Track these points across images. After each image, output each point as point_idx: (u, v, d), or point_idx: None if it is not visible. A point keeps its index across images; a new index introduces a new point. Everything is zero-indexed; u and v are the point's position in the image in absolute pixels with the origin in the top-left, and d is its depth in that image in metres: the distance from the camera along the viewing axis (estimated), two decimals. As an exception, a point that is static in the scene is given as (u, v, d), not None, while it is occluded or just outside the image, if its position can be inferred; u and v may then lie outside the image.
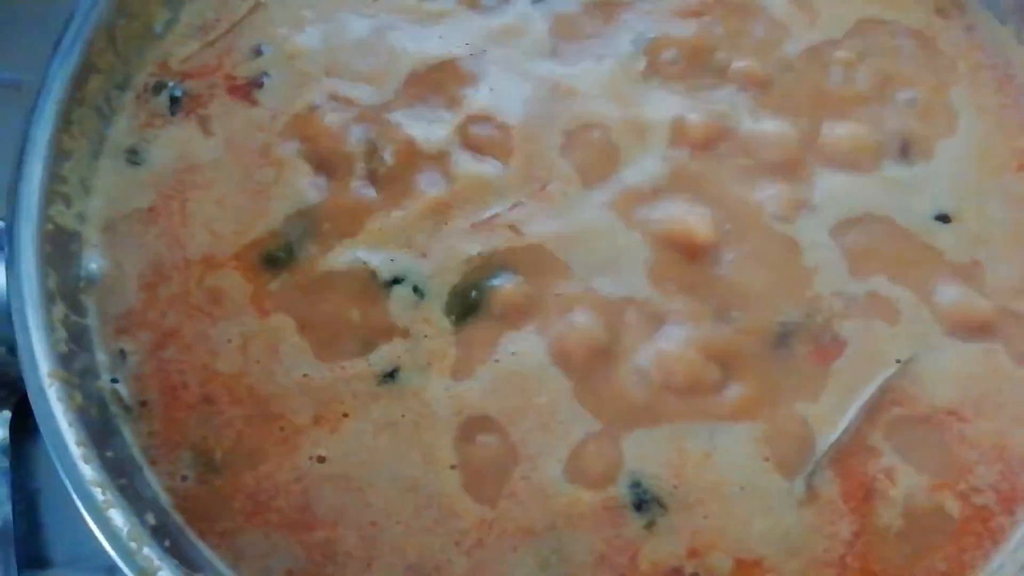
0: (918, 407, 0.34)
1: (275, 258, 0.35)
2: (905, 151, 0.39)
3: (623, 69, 0.39)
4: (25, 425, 0.44)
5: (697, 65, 0.39)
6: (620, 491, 0.32)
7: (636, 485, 0.32)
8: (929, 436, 0.33)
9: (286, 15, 0.41)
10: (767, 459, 0.32)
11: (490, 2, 0.41)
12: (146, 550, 0.28)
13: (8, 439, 0.43)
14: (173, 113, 0.39)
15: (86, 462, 0.29)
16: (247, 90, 0.40)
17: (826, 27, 0.41)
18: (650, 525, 0.31)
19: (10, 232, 0.32)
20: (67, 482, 0.28)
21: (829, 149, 0.38)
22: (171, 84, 0.40)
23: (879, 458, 0.33)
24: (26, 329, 0.30)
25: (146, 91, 0.39)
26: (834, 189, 0.37)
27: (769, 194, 0.37)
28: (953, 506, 0.32)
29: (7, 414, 0.44)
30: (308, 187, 0.36)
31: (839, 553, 0.31)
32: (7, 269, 0.31)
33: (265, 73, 0.40)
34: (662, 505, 0.32)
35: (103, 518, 0.28)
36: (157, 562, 0.28)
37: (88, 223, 0.36)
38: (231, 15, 0.41)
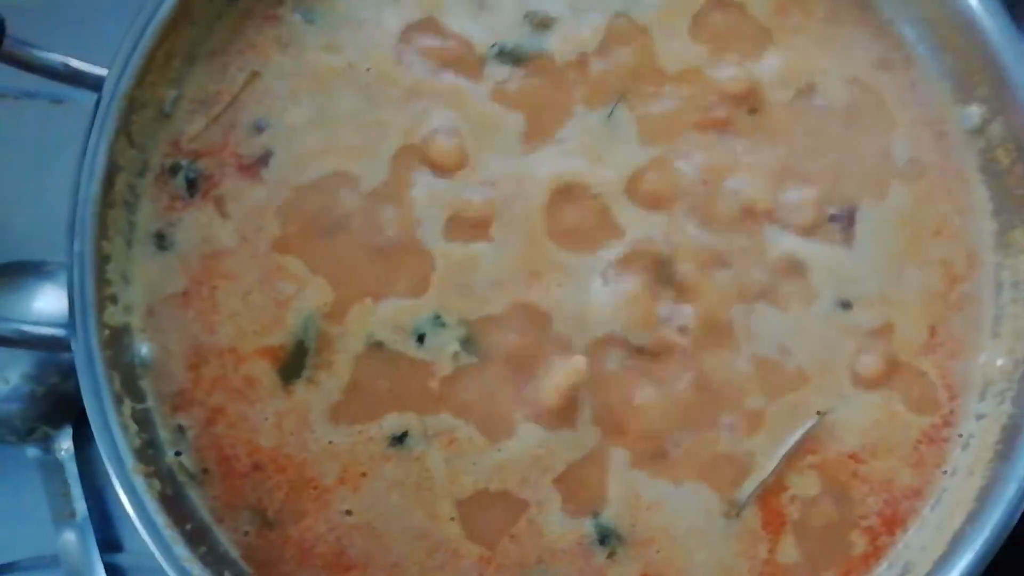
0: (827, 451, 0.42)
1: (292, 364, 0.41)
2: (845, 217, 0.44)
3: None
4: (83, 432, 0.53)
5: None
6: (588, 528, 0.41)
7: (601, 523, 0.41)
8: (832, 476, 0.42)
9: (282, 86, 0.44)
10: (709, 510, 0.41)
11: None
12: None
13: (72, 448, 0.52)
14: (191, 195, 0.43)
15: (175, 543, 0.37)
16: (255, 169, 0.44)
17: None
18: (612, 555, 0.41)
19: (77, 353, 0.38)
20: (163, 563, 0.37)
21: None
22: (185, 164, 0.43)
23: (793, 492, 0.42)
24: (108, 437, 0.37)
25: (164, 172, 0.43)
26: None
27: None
28: (847, 529, 0.42)
29: (68, 428, 0.52)
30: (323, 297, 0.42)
31: (759, 572, 0.41)
32: (82, 391, 0.38)
33: (269, 151, 0.44)
34: (621, 539, 0.41)
35: (194, 587, 0.37)
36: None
37: (133, 312, 0.42)
38: (231, 87, 0.44)
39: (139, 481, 0.38)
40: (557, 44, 0.44)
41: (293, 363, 0.41)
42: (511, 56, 0.44)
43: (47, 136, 0.57)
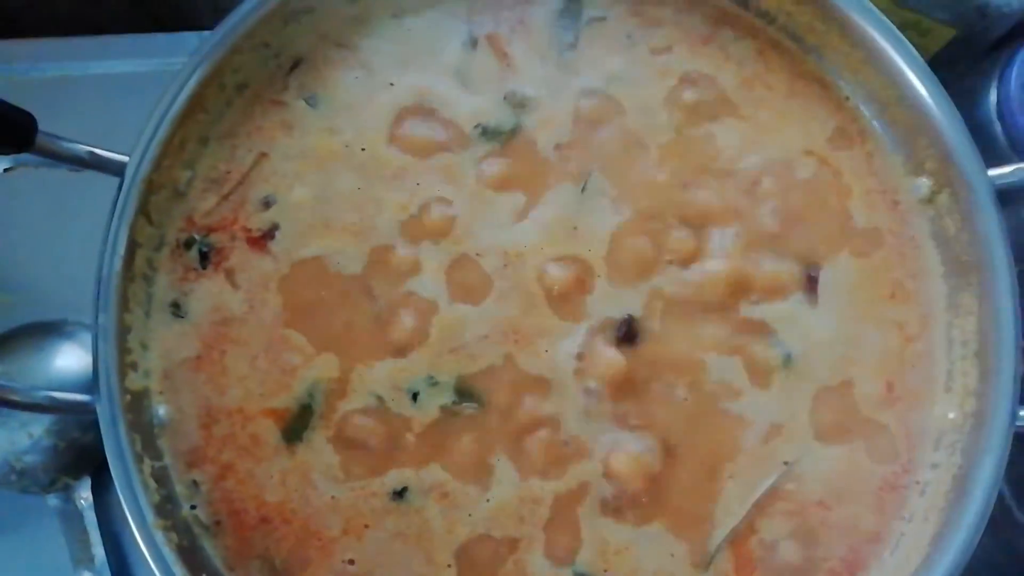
0: (795, 499, 0.45)
1: (296, 426, 0.45)
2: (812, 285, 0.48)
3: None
4: (100, 482, 0.56)
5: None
6: (567, 572, 0.44)
7: (576, 570, 0.44)
8: (800, 522, 0.45)
9: (287, 166, 0.48)
10: (672, 555, 0.44)
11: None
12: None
13: (91, 497, 0.56)
14: (204, 267, 0.47)
15: (193, 592, 0.41)
16: (263, 242, 0.48)
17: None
18: (591, 600, 0.44)
19: (102, 417, 0.42)
20: (184, 610, 0.40)
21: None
22: (199, 238, 0.47)
23: (764, 538, 0.45)
24: (131, 495, 0.41)
25: (179, 247, 0.47)
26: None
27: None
28: (812, 573, 0.45)
29: (87, 479, 0.56)
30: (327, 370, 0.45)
31: (729, 613, 0.44)
32: (107, 452, 0.41)
33: (276, 225, 0.48)
34: (596, 584, 0.44)
35: (213, 629, 0.40)
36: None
37: (151, 376, 0.45)
38: (240, 167, 0.48)
39: (159, 535, 0.41)
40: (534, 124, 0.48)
41: (296, 426, 0.44)
42: (493, 134, 0.48)
43: (67, 203, 0.62)
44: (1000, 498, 0.63)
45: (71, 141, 0.43)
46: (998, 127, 0.58)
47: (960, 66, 0.64)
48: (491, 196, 0.47)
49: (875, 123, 0.49)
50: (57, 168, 0.62)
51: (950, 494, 0.43)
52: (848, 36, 0.47)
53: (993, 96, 0.60)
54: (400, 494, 0.44)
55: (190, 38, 0.66)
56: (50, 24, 0.68)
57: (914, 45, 0.64)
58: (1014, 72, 0.58)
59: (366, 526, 0.44)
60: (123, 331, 0.44)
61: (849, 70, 0.48)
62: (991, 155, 0.46)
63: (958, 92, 0.63)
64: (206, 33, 0.63)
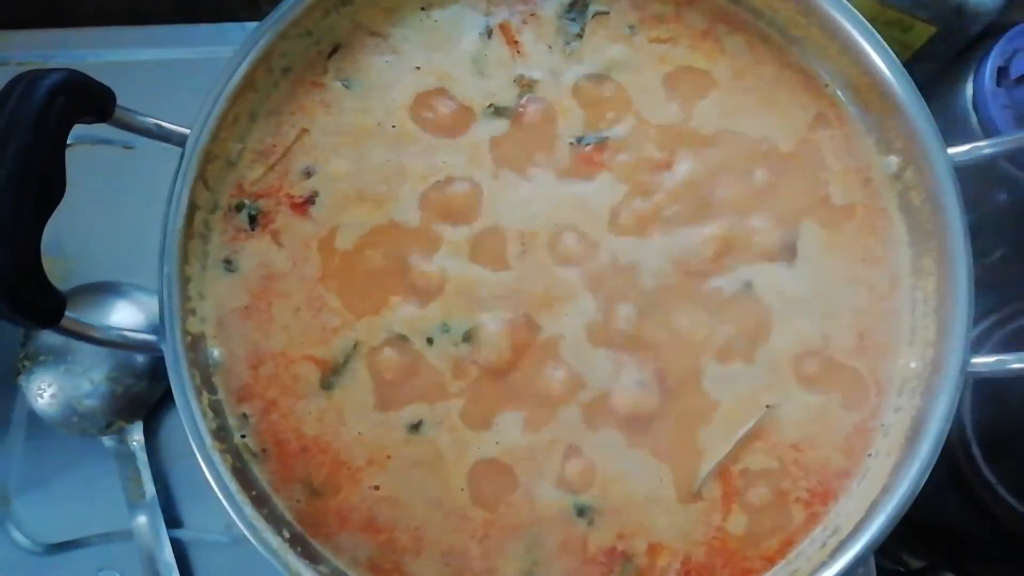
0: (772, 439, 0.51)
1: (332, 376, 0.51)
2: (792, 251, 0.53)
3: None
4: (151, 427, 0.63)
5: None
6: (567, 503, 0.50)
7: (577, 500, 0.50)
8: (774, 460, 0.51)
9: (326, 140, 0.54)
10: (661, 479, 0.50)
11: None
12: (290, 557, 0.46)
13: (143, 440, 0.62)
14: (252, 228, 0.53)
15: (244, 505, 0.47)
16: (305, 207, 0.54)
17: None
18: (591, 523, 0.50)
19: (167, 354, 0.48)
20: (237, 520, 0.46)
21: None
22: (248, 203, 0.53)
23: (745, 472, 0.51)
24: (192, 421, 0.47)
25: (230, 210, 0.53)
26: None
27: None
28: (787, 503, 0.51)
29: (140, 423, 0.62)
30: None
31: (712, 535, 0.50)
32: (172, 383, 0.47)
33: (316, 192, 0.54)
34: (595, 509, 0.50)
35: (261, 538, 0.47)
36: (294, 560, 0.47)
37: (207, 323, 0.52)
38: (284, 141, 0.54)
39: (216, 456, 0.47)
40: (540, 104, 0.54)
41: (332, 375, 0.51)
42: (502, 112, 0.54)
43: (119, 177, 0.68)
44: (970, 457, 0.70)
45: (142, 115, 0.49)
46: (974, 116, 0.64)
47: (940, 61, 0.70)
48: (502, 171, 0.53)
49: (851, 108, 0.55)
50: (111, 146, 0.69)
51: (909, 432, 0.49)
52: (826, 29, 0.53)
53: (970, 88, 0.66)
54: (416, 427, 0.50)
55: (230, 28, 0.73)
56: (103, 15, 0.75)
57: (898, 41, 0.70)
58: (988, 67, 0.64)
59: (388, 456, 0.50)
60: (184, 281, 0.50)
61: (827, 60, 0.54)
62: (968, 140, 0.52)
63: (938, 84, 0.70)
64: (248, 24, 0.70)
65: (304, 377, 0.51)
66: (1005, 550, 0.72)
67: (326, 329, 0.51)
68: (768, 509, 0.50)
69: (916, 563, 0.84)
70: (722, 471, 0.50)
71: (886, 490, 0.48)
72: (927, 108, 0.51)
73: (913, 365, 0.51)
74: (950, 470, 0.72)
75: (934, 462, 0.47)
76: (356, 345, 0.51)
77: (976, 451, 0.71)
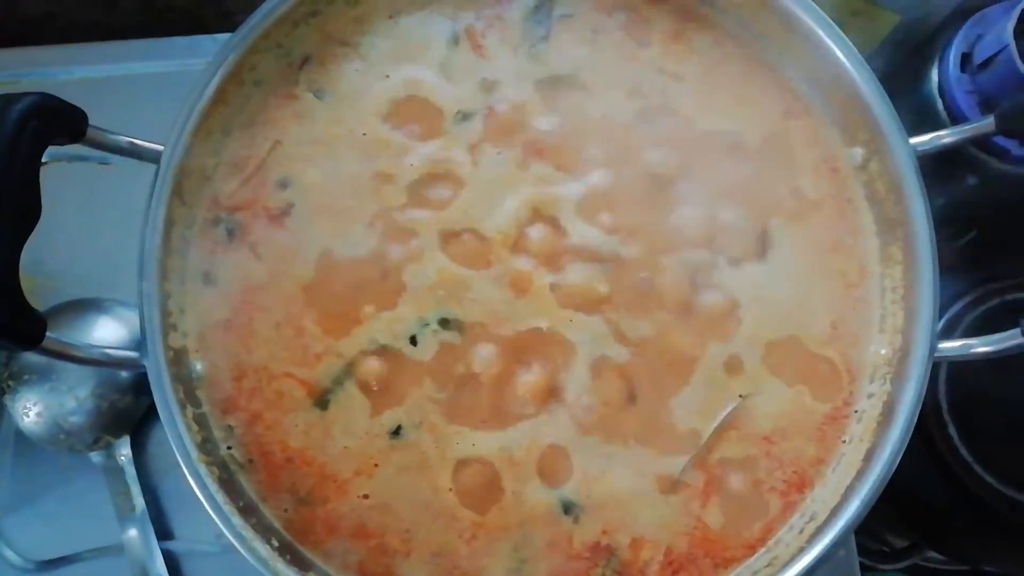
0: (745, 430, 0.52)
1: (323, 398, 0.51)
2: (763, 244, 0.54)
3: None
4: (138, 441, 0.63)
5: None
6: (554, 500, 0.51)
7: (563, 496, 0.51)
8: (751, 449, 0.52)
9: (300, 151, 0.55)
10: (642, 472, 0.51)
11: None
12: (279, 565, 0.47)
13: (131, 454, 0.62)
14: (230, 241, 0.54)
15: (232, 515, 0.48)
16: (281, 218, 0.54)
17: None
18: (576, 520, 0.51)
19: (150, 370, 0.48)
20: (225, 530, 0.47)
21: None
22: (225, 217, 0.54)
23: (722, 461, 0.52)
24: (177, 435, 0.48)
25: (208, 224, 0.54)
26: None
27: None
28: (763, 492, 0.52)
29: (127, 438, 0.63)
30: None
31: (693, 526, 0.51)
32: (155, 399, 0.48)
33: (292, 204, 0.54)
34: (580, 507, 0.51)
35: (250, 548, 0.47)
36: (283, 567, 0.48)
37: (189, 337, 0.52)
38: (259, 153, 0.55)
39: (202, 468, 0.48)
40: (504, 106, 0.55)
41: (326, 395, 0.51)
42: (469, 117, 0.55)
43: (97, 193, 0.69)
44: (947, 438, 0.71)
45: (114, 133, 0.49)
46: (939, 103, 0.66)
47: (906, 49, 0.72)
48: (473, 172, 0.54)
49: (816, 101, 0.56)
50: (87, 163, 0.69)
51: (880, 417, 0.51)
52: (786, 23, 0.54)
53: (935, 75, 0.67)
54: (396, 432, 0.51)
55: (202, 40, 0.73)
56: (71, 31, 0.75)
57: (863, 30, 0.71)
58: (951, 54, 0.66)
59: (376, 465, 0.51)
60: (164, 297, 0.50)
61: (790, 54, 0.55)
62: (934, 127, 0.53)
63: (905, 72, 0.71)
64: (219, 36, 0.71)
65: (288, 393, 0.51)
66: (984, 525, 0.74)
67: (308, 353, 0.52)
68: (746, 498, 0.51)
69: (899, 542, 0.86)
70: (700, 461, 0.51)
71: (860, 475, 0.49)
72: (888, 99, 0.52)
73: (884, 352, 0.52)
74: (929, 451, 0.74)
75: (906, 445, 0.48)
76: (345, 367, 0.51)
77: (953, 432, 0.73)
